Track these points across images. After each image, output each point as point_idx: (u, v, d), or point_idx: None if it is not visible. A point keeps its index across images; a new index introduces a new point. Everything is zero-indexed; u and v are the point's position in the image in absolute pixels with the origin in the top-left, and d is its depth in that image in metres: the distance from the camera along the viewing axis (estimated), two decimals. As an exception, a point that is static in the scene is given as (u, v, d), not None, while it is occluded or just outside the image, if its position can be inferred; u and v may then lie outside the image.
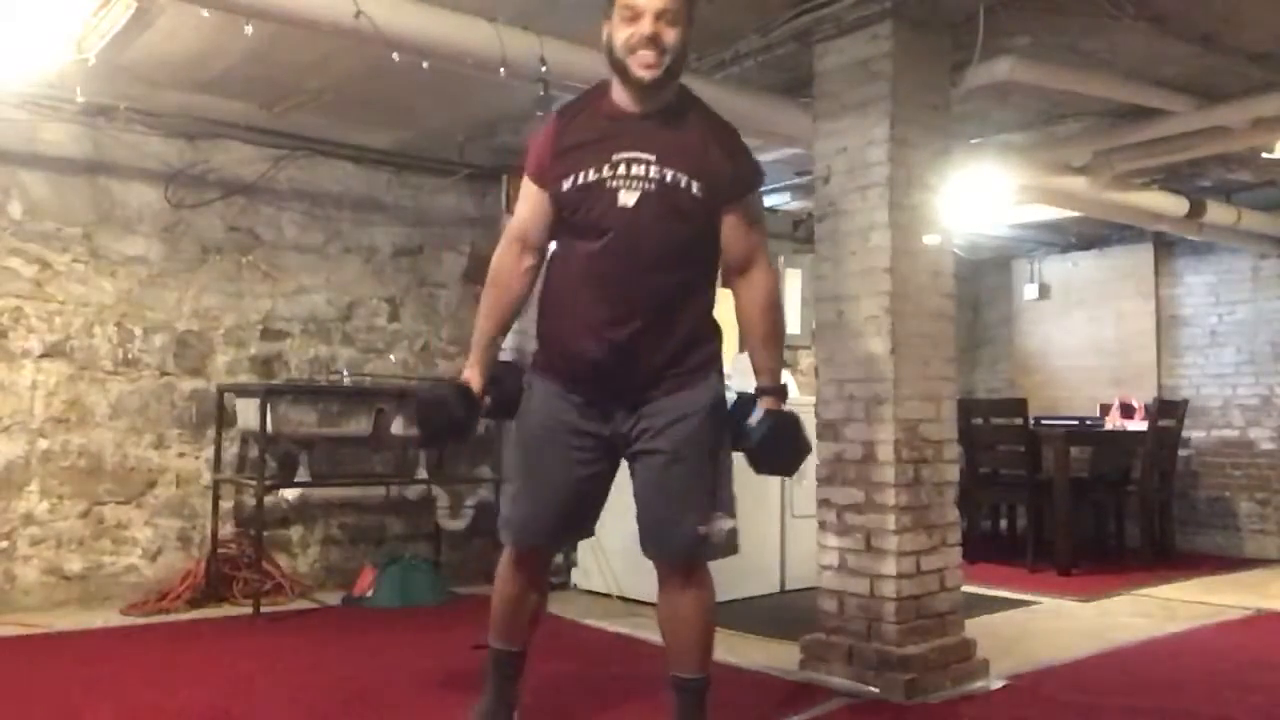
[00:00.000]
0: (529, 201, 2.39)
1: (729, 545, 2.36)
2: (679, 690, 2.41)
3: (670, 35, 2.19)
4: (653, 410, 2.30)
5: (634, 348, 2.28)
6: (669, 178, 2.24)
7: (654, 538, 2.36)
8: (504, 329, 2.44)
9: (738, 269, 2.37)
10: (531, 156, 2.38)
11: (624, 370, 2.30)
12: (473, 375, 2.40)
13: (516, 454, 2.47)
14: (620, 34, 2.21)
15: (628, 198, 2.23)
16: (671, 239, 2.27)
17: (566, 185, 2.28)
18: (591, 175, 2.26)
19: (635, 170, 2.24)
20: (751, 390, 2.40)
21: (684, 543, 2.32)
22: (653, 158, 2.24)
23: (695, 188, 2.25)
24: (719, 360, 2.42)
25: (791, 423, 2.37)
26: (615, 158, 2.25)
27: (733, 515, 2.36)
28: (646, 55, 2.19)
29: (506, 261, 2.41)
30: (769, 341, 2.39)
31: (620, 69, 2.25)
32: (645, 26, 2.17)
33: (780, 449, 2.36)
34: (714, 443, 2.34)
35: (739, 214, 2.34)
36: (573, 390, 2.35)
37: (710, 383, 2.36)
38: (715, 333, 2.42)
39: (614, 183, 2.24)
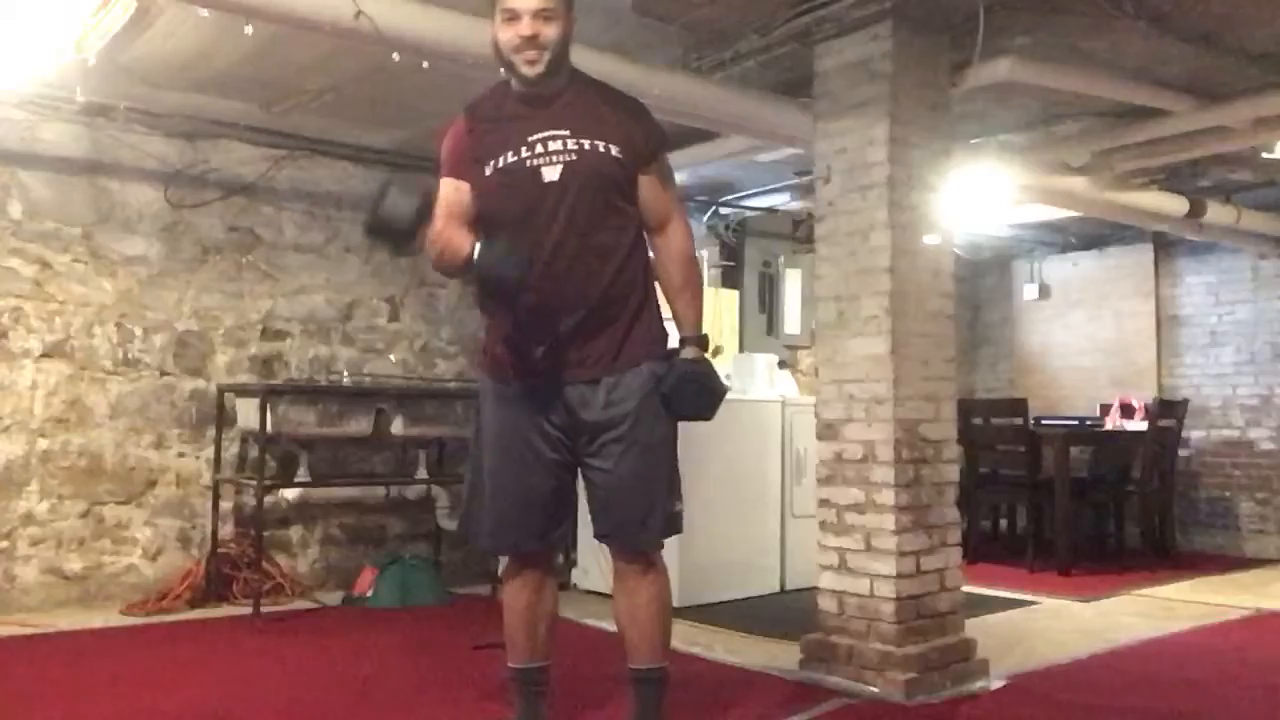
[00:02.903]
0: (450, 191, 2.39)
1: (677, 524, 2.43)
2: (641, 683, 2.41)
3: (549, 31, 2.28)
4: (609, 399, 2.33)
5: (575, 319, 2.31)
6: (587, 145, 2.32)
7: (623, 525, 2.37)
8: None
9: (657, 226, 2.44)
10: (445, 155, 2.42)
11: (570, 347, 2.32)
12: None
13: (482, 456, 2.44)
14: (503, 35, 2.31)
15: (551, 173, 2.30)
16: (597, 205, 2.32)
17: (488, 171, 2.33)
18: (511, 158, 2.32)
19: (553, 146, 2.31)
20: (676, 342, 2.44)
21: (655, 526, 2.36)
22: (567, 132, 2.32)
23: (614, 150, 2.33)
24: (664, 345, 2.44)
25: (702, 369, 2.40)
26: (531, 139, 2.32)
27: (680, 495, 2.42)
28: (529, 53, 2.29)
29: (446, 225, 2.38)
30: (686, 289, 2.45)
31: (508, 66, 2.34)
32: (524, 28, 2.27)
33: (690, 393, 2.37)
34: (670, 426, 2.40)
35: (654, 174, 2.42)
36: (523, 379, 2.37)
37: (657, 368, 2.39)
38: (659, 318, 2.45)
39: (534, 161, 2.31)
